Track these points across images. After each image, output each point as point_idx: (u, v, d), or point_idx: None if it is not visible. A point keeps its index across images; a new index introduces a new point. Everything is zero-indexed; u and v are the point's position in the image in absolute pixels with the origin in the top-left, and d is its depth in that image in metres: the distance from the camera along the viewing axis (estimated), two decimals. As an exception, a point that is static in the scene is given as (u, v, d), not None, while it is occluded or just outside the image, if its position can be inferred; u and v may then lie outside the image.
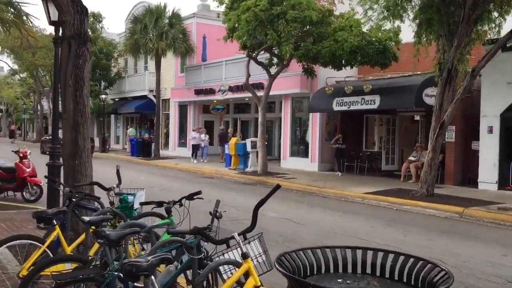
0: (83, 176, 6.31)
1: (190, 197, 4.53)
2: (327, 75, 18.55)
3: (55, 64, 7.82)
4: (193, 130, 25.14)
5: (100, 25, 33.68)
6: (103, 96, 32.07)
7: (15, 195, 11.77)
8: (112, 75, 33.66)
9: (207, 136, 25.05)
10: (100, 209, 5.39)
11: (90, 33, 29.12)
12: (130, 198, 4.94)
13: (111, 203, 5.22)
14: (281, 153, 22.11)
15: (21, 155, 11.57)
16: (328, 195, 14.37)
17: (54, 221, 4.75)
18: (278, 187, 3.24)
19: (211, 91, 25.33)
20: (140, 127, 33.97)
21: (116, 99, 35.48)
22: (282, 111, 21.92)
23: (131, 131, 31.33)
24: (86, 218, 4.05)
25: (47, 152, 11.50)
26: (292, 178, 17.45)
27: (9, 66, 48.29)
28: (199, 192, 4.54)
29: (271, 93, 18.98)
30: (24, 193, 11.44)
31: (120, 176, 5.66)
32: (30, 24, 10.90)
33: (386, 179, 17.26)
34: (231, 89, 23.81)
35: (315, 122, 20.03)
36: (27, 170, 11.45)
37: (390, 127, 19.46)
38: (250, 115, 27.04)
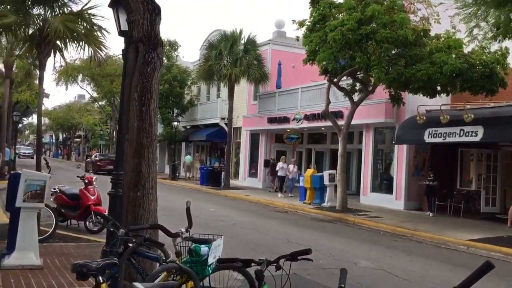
0: (146, 212, 5.05)
1: (294, 257, 3.02)
2: (416, 103, 16.61)
3: (123, 80, 6.78)
4: (280, 161, 22.81)
5: (176, 53, 33.84)
6: (175, 123, 31.82)
7: (79, 225, 10.91)
8: (185, 102, 33.49)
9: (296, 167, 22.66)
10: (163, 258, 4.06)
11: (165, 61, 29.02)
12: (204, 249, 3.54)
13: (178, 253, 3.87)
14: (360, 188, 20.17)
15: (86, 181, 10.73)
16: (423, 239, 12.32)
17: (100, 278, 3.43)
18: (489, 266, 1.71)
19: (285, 120, 24.05)
20: (210, 155, 33.31)
21: (188, 127, 35.21)
22: (363, 142, 20.09)
23: (187, 158, 30.77)
24: (140, 286, 2.67)
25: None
26: (376, 217, 15.50)
27: (89, 94, 50.19)
28: (307, 251, 3.01)
29: (342, 122, 17.40)
30: (87, 222, 10.53)
31: (191, 217, 4.31)
32: (102, 39, 10.17)
33: (489, 223, 14.85)
34: (307, 117, 22.39)
35: (401, 154, 18.03)
36: (92, 197, 10.57)
37: (491, 163, 17.01)
38: (325, 145, 25.40)
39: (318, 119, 21.68)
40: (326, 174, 18.15)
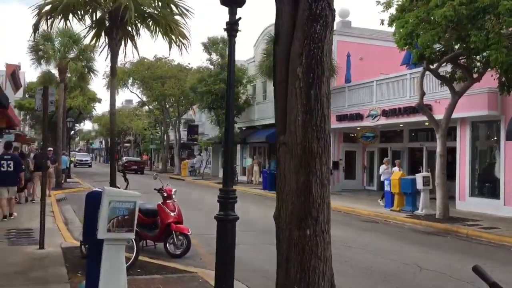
0: (321, 262, 3.07)
1: None
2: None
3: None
4: (383, 163, 19.25)
5: (230, 50, 32.05)
6: (232, 124, 30.07)
7: (155, 246, 9.14)
8: (241, 102, 31.68)
9: (401, 169, 18.43)
10: None
11: (219, 59, 26.95)
12: None
13: None
14: (455, 191, 17.59)
15: (165, 194, 8.94)
16: None
17: None
18: None
19: (357, 117, 21.75)
20: (269, 158, 31.35)
21: (243, 128, 33.39)
22: (457, 139, 17.51)
23: (247, 161, 28.91)
24: None
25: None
26: (492, 228, 13.00)
27: (139, 98, 49.37)
28: None
29: (437, 117, 15.02)
30: (167, 244, 8.72)
31: None
32: (184, 26, 8.29)
33: None
34: (385, 113, 20.02)
35: (510, 153, 15.41)
36: (172, 214, 8.76)
37: None
38: (402, 144, 22.93)
39: (398, 114, 19.31)
40: (419, 177, 15.75)
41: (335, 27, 18.91)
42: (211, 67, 32.46)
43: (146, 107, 62.06)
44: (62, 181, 24.13)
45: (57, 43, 23.83)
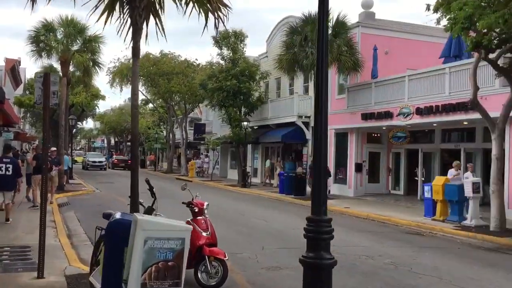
0: None
1: None
2: None
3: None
4: (453, 167, 15.70)
5: (242, 44, 30.24)
6: (245, 123, 28.29)
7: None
8: (253, 100, 29.85)
9: (474, 175, 15.08)
10: None
11: (230, 53, 25.05)
12: None
13: None
14: (504, 198, 15.73)
15: (196, 209, 7.14)
16: None
17: None
18: None
19: (386, 115, 19.91)
20: (283, 158, 29.52)
21: (255, 127, 31.53)
22: (506, 139, 15.67)
23: (267, 163, 27.16)
24: None
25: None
26: None
27: (143, 95, 47.55)
28: None
29: (472, 116, 13.25)
30: (199, 272, 6.93)
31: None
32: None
33: None
34: (420, 111, 18.20)
35: None
36: (204, 234, 6.97)
37: None
38: (434, 145, 21.11)
39: (436, 112, 17.51)
40: (468, 183, 13.93)
41: (357, 19, 16.69)
42: (222, 62, 30.63)
43: (150, 105, 60.39)
44: (64, 183, 22.38)
45: (59, 34, 22.05)
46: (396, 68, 21.78)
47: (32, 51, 21.93)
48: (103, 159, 48.15)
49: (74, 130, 42.46)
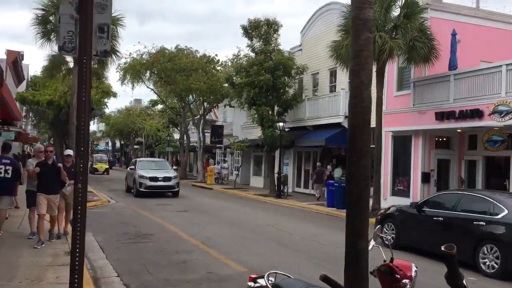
0: None
1: None
2: None
3: None
4: None
5: (276, 35, 26.59)
6: (281, 124, 24.60)
7: None
8: (288, 97, 26.17)
9: None
10: None
11: (263, 45, 20.88)
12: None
13: None
14: None
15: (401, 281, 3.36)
16: None
17: None
18: None
19: (474, 114, 16.15)
20: (323, 164, 25.75)
21: (287, 129, 27.72)
22: None
23: (336, 171, 23.19)
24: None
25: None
26: None
27: (155, 93, 43.88)
28: None
29: None
30: None
31: None
32: None
33: None
34: (523, 109, 14.49)
35: None
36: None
37: None
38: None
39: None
40: None
41: (426, 1, 11.62)
42: (252, 54, 26.95)
43: (159, 106, 56.57)
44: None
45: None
46: (469, 59, 18.21)
47: (38, 33, 18.30)
48: (171, 174, 23.95)
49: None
